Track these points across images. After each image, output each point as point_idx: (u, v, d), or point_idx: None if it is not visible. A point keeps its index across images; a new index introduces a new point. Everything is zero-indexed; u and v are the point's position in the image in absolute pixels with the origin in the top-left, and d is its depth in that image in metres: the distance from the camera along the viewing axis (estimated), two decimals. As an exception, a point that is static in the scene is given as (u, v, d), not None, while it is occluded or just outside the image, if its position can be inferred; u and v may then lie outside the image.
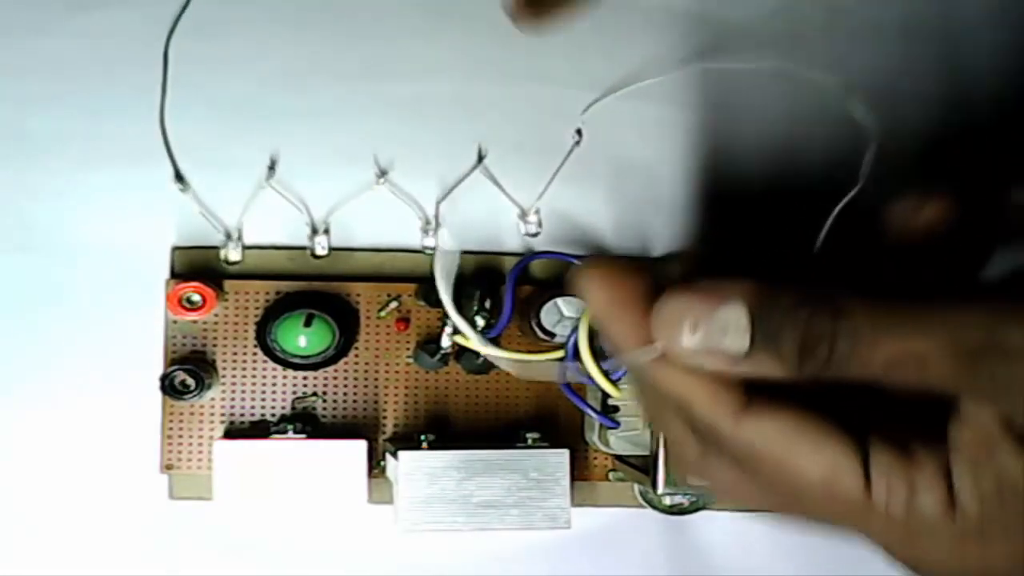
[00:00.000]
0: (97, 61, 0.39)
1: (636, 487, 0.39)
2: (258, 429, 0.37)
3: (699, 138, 0.41)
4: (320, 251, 0.39)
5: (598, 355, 0.34)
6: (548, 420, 0.38)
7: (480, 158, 0.40)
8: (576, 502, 0.35)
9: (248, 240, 0.39)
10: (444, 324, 0.37)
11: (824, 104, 0.41)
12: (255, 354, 0.38)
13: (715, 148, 0.41)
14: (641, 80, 0.40)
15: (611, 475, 0.39)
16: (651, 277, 0.25)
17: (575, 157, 0.40)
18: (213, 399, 0.38)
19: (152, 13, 0.39)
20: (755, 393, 0.24)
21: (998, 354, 0.21)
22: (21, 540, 0.38)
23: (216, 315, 0.38)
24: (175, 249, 0.39)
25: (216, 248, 0.39)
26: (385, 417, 0.39)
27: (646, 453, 0.36)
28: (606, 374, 0.34)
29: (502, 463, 0.34)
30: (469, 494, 0.34)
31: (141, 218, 0.39)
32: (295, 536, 0.39)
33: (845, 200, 0.35)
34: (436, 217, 0.40)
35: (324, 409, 0.38)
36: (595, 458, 0.39)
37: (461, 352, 0.38)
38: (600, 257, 0.25)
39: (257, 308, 0.38)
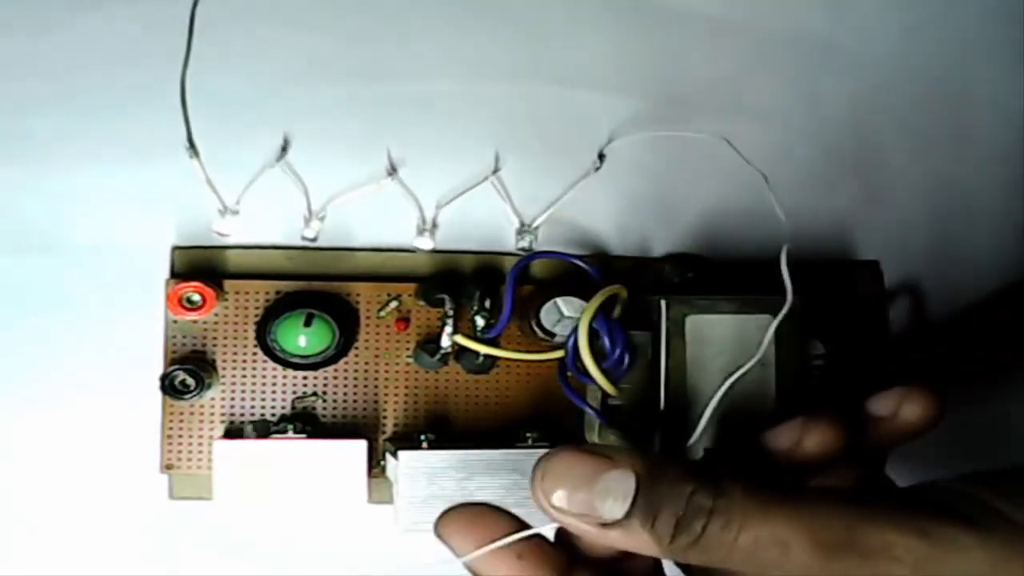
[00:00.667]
0: (97, 61, 0.39)
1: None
2: (258, 429, 0.37)
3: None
4: (309, 233, 0.39)
5: (598, 355, 0.34)
6: (548, 420, 0.38)
7: (495, 169, 0.40)
8: (576, 502, 0.35)
9: (248, 240, 0.39)
10: (444, 324, 0.37)
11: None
12: (255, 354, 0.38)
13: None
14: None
15: (611, 475, 0.39)
16: (511, 520, 0.27)
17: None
18: (213, 399, 0.38)
19: (157, 7, 0.39)
20: None
21: (855, 552, 0.22)
22: (21, 540, 0.38)
23: (216, 315, 0.38)
24: (175, 249, 0.39)
25: (216, 248, 0.39)
26: (385, 417, 0.39)
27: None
28: (606, 374, 0.34)
29: (502, 463, 0.34)
30: (469, 494, 0.34)
31: (141, 218, 0.39)
32: (295, 536, 0.39)
33: (779, 317, 0.34)
34: (434, 220, 0.40)
35: (324, 409, 0.38)
36: (595, 458, 0.39)
37: (461, 352, 0.38)
38: (459, 505, 0.28)
39: (257, 308, 0.38)
